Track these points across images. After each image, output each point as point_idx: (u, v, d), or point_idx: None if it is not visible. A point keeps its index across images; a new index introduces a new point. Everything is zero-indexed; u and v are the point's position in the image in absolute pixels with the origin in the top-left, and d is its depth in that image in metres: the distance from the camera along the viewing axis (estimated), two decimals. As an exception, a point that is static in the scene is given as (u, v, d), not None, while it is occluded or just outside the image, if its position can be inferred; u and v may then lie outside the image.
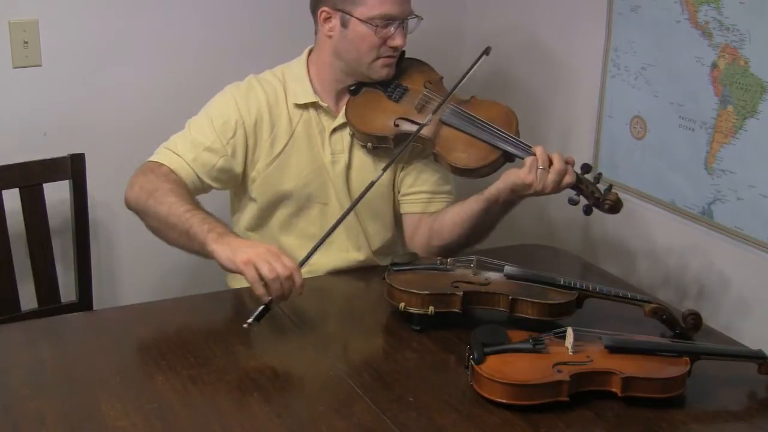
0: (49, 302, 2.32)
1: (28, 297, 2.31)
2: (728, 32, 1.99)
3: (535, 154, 1.87)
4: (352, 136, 2.05)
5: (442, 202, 2.11)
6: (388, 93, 2.06)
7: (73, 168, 2.30)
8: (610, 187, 1.92)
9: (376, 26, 1.95)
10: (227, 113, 2.01)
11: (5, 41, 2.31)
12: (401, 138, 2.01)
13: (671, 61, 2.16)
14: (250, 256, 1.69)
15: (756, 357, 1.66)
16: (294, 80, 2.06)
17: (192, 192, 1.96)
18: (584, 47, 2.43)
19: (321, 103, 2.05)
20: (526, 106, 2.55)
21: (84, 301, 2.37)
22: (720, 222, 2.09)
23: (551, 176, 1.85)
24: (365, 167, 2.08)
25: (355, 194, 2.06)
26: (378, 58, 2.00)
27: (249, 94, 2.03)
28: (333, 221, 2.06)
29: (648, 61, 2.22)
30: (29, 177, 2.25)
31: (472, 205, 1.98)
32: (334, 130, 2.06)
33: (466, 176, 2.00)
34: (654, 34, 2.19)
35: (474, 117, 1.99)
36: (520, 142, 1.94)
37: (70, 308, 2.33)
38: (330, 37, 2.02)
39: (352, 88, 2.06)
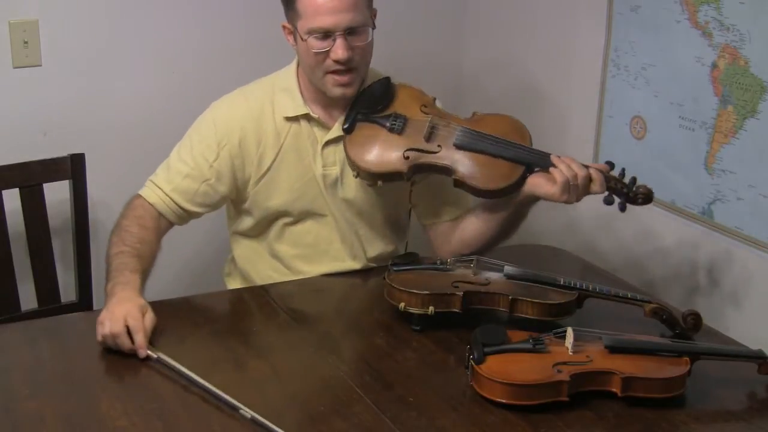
0: (49, 302, 2.32)
1: (28, 297, 2.31)
2: (728, 32, 1.99)
3: (554, 163, 1.84)
4: (357, 176, 1.95)
5: (462, 208, 2.07)
6: (388, 126, 1.92)
7: (73, 168, 2.30)
8: (634, 180, 1.87)
9: (316, 39, 1.86)
10: (208, 136, 1.96)
11: (5, 41, 2.30)
12: (415, 170, 1.91)
13: (671, 61, 2.16)
14: (100, 319, 1.67)
15: (756, 357, 1.66)
16: (283, 91, 1.99)
17: (175, 221, 1.97)
18: (584, 47, 2.43)
19: (312, 114, 1.97)
20: (526, 106, 2.55)
21: (84, 301, 2.36)
22: (720, 222, 2.09)
23: (580, 189, 1.83)
24: (358, 180, 1.99)
25: (349, 206, 2.03)
26: (326, 73, 1.90)
27: (231, 113, 1.98)
28: (330, 231, 2.04)
29: (648, 61, 2.22)
30: (29, 177, 2.25)
31: (499, 211, 1.96)
32: (327, 143, 1.99)
33: (490, 197, 1.93)
34: (654, 34, 2.19)
35: (487, 135, 1.91)
36: (538, 152, 1.89)
37: (70, 308, 2.33)
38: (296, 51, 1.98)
39: (345, 126, 1.94)
